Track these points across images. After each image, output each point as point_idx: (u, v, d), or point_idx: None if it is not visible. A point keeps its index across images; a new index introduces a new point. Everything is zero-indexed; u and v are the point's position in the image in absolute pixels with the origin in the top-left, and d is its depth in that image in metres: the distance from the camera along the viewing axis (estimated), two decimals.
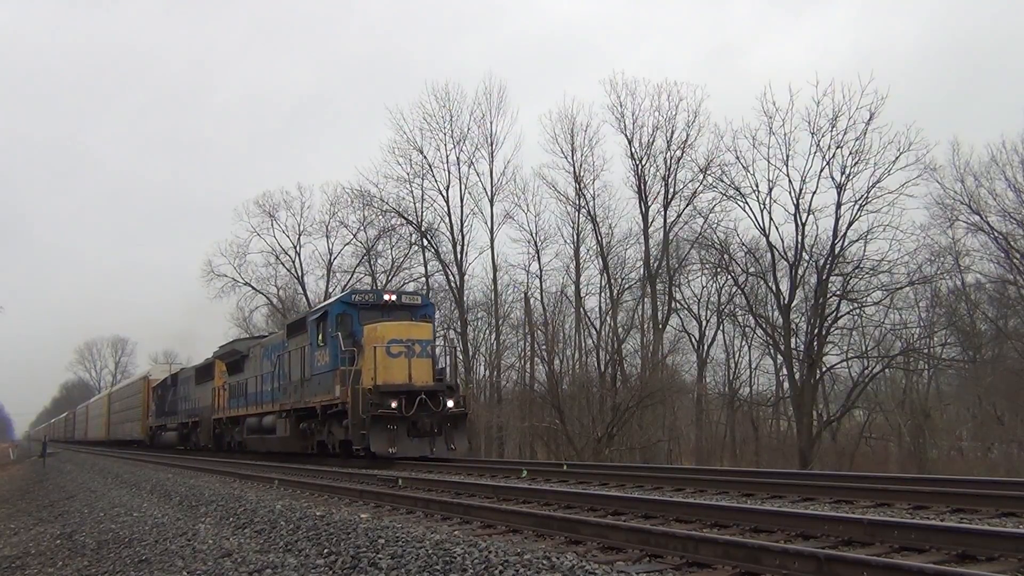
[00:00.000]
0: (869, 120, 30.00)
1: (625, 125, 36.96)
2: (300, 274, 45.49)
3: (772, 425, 38.47)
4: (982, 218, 32.72)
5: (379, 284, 40.78)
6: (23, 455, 58.59)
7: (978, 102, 77.25)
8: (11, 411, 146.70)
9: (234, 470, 18.87)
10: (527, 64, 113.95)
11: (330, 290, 42.45)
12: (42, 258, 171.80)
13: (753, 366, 40.58)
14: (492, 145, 39.28)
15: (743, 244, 35.44)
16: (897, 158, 29.67)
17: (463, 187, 39.41)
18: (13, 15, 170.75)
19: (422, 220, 40.07)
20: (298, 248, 45.05)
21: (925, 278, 33.24)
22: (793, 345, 33.32)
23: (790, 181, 32.08)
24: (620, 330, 37.68)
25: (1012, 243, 32.08)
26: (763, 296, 36.78)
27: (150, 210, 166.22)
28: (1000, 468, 26.70)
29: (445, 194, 39.54)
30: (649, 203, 37.22)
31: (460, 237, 39.48)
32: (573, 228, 38.78)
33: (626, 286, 39.48)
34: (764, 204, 32.88)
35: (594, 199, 38.38)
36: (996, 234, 32.53)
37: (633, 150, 36.99)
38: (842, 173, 30.97)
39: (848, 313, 33.28)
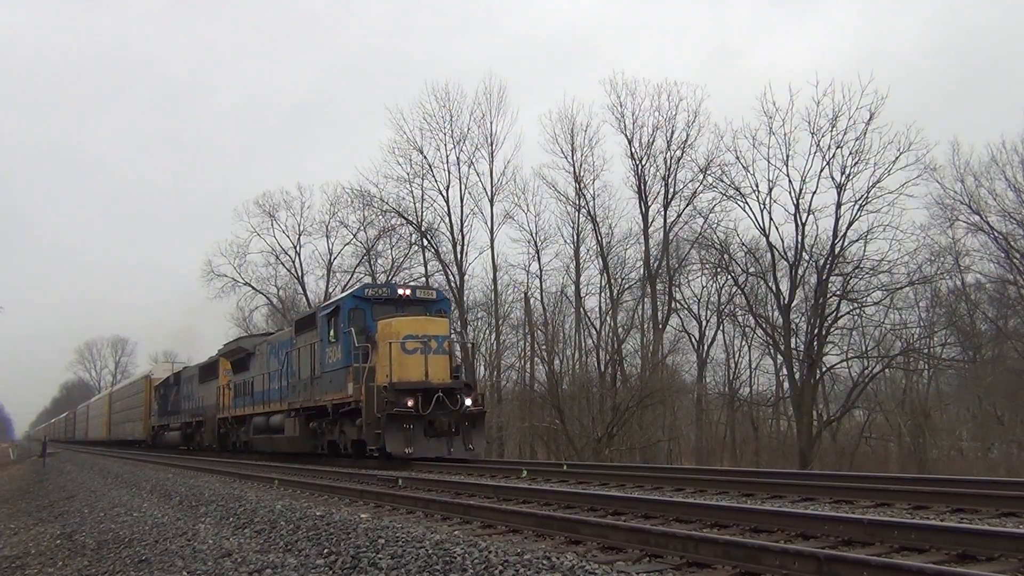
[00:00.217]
0: (869, 120, 30.11)
1: (625, 125, 37.05)
2: (300, 274, 45.63)
3: (772, 425, 38.47)
4: (982, 218, 32.83)
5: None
6: (23, 455, 58.48)
7: (978, 102, 77.38)
8: (11, 411, 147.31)
9: (234, 470, 18.82)
10: (527, 64, 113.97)
11: (330, 290, 42.48)
12: (42, 258, 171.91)
13: (753, 366, 40.68)
14: (492, 145, 39.28)
15: (743, 244, 35.52)
16: (897, 158, 29.79)
17: (463, 187, 39.42)
18: (13, 15, 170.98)
19: (422, 220, 40.07)
20: (298, 248, 45.19)
21: (925, 278, 33.26)
22: (793, 345, 33.31)
23: (790, 181, 32.18)
24: (620, 330, 37.69)
25: (1012, 243, 32.11)
26: (763, 296, 36.83)
27: (150, 210, 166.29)
28: (1000, 468, 26.74)
29: (445, 194, 39.55)
30: (649, 203, 37.30)
31: (460, 237, 39.48)
32: (573, 228, 38.85)
33: (626, 286, 39.54)
34: (764, 204, 32.98)
35: (594, 199, 38.45)
36: (996, 234, 32.61)
37: (633, 150, 37.09)
38: (842, 173, 31.06)
39: (848, 313, 33.34)
